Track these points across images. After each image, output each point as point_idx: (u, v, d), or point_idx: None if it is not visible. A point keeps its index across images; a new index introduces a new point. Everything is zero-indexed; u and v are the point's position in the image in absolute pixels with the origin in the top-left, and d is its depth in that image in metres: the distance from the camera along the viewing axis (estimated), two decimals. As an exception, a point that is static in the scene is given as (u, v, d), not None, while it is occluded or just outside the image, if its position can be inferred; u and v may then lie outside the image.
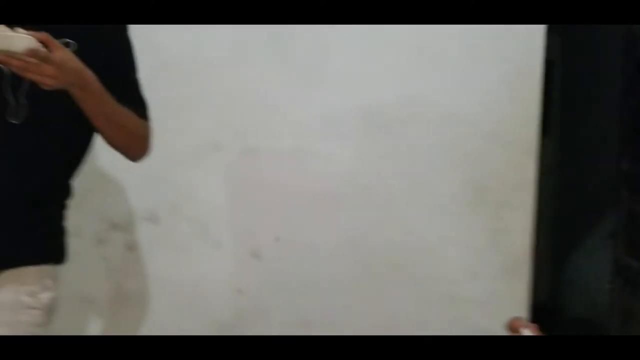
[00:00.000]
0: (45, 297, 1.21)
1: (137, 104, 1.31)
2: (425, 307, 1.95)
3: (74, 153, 1.29)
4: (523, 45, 1.88)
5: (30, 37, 1.04)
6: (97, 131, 1.27)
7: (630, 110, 1.99)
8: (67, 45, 1.18)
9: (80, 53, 1.18)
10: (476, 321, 1.91)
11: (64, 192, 1.28)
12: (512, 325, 0.91)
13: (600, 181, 2.43)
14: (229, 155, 1.98)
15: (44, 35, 1.07)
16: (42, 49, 1.05)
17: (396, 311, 1.96)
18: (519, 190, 1.92)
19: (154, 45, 1.71)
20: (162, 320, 1.98)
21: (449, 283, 1.94)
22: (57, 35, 1.15)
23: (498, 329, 0.96)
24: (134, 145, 1.33)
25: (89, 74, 1.15)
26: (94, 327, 2.01)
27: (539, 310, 2.05)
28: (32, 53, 1.03)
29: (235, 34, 1.91)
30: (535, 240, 1.97)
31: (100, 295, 2.00)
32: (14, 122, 1.15)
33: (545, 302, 2.58)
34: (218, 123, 1.97)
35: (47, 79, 1.07)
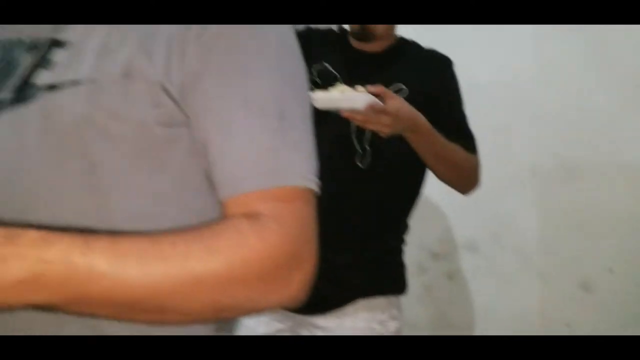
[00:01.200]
0: (392, 326, 1.28)
1: (464, 138, 1.32)
2: None
3: (411, 191, 1.35)
4: None
5: (368, 94, 1.13)
6: (429, 168, 1.31)
7: None
8: (399, 91, 1.25)
9: (411, 95, 1.24)
10: None
11: (404, 227, 1.35)
12: None
13: None
14: (549, 179, 1.86)
15: (379, 88, 1.16)
16: (379, 103, 1.14)
17: None
18: None
19: (463, 73, 1.71)
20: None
21: None
22: (389, 82, 1.23)
23: None
24: (464, 179, 1.33)
25: (419, 118, 1.20)
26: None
27: None
28: (369, 108, 1.12)
29: (541, 51, 1.81)
30: None
31: (424, 322, 2.05)
32: (361, 167, 1.26)
33: None
34: (535, 147, 1.88)
35: (384, 127, 1.16)
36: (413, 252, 2.05)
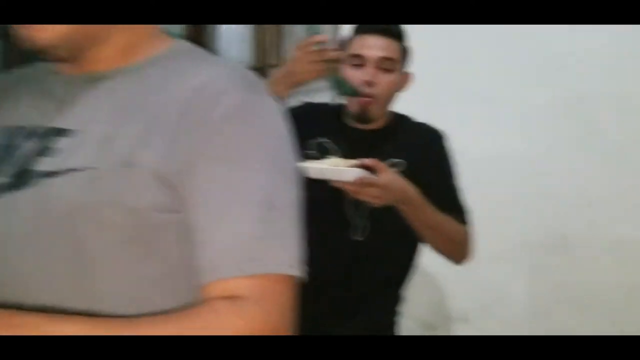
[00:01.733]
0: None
1: (457, 210, 1.34)
2: None
3: (405, 263, 1.37)
4: None
5: (358, 168, 1.18)
6: (422, 238, 1.33)
7: None
8: (395, 165, 1.29)
9: (405, 169, 1.28)
10: None
11: (399, 299, 1.36)
12: None
13: None
14: (540, 253, 1.89)
15: (372, 161, 1.20)
16: (368, 177, 1.18)
17: None
18: None
19: (456, 148, 1.77)
20: None
21: None
22: (384, 158, 1.27)
23: None
24: (456, 250, 1.36)
25: (410, 190, 1.23)
26: None
27: None
28: (359, 181, 1.16)
29: (531, 128, 1.88)
30: None
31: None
32: (356, 239, 1.28)
33: None
34: (525, 221, 1.91)
35: (374, 199, 1.20)
36: (405, 322, 2.04)
